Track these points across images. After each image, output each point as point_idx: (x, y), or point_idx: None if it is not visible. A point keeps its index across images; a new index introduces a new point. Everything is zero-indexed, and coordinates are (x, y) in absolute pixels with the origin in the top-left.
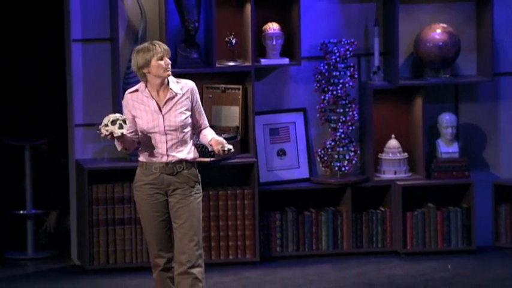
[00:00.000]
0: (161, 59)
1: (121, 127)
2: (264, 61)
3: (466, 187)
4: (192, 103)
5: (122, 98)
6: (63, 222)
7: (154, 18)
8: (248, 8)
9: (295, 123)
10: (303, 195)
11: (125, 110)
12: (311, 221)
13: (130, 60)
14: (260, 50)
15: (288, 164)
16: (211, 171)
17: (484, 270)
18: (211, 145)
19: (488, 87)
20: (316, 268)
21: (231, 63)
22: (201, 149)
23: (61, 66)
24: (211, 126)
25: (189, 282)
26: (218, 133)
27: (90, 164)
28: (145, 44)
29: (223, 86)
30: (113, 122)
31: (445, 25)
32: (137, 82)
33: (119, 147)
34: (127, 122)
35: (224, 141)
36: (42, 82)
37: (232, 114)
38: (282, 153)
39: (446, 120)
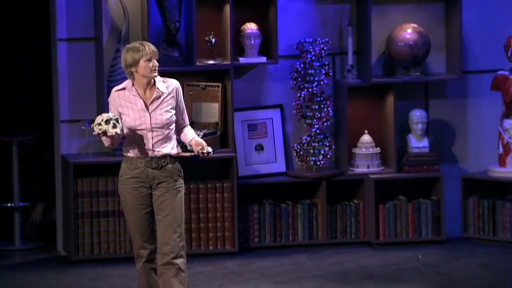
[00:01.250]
0: (149, 60)
1: (115, 126)
2: (242, 60)
3: (435, 180)
4: (176, 102)
5: (107, 95)
6: (50, 214)
7: (137, 19)
8: (227, 8)
9: (272, 119)
10: (280, 189)
11: (111, 107)
12: (288, 213)
13: (114, 59)
14: (239, 49)
15: (265, 158)
16: (192, 165)
17: (453, 259)
18: (191, 145)
19: (456, 84)
20: (293, 258)
21: (211, 62)
22: (182, 144)
23: (46, 65)
24: (192, 123)
25: (173, 273)
26: (199, 128)
27: (75, 159)
28: (136, 44)
29: (203, 83)
30: (107, 122)
31: (415, 25)
32: (121, 80)
33: (106, 144)
34: (119, 121)
35: (204, 143)
36: (28, 80)
37: (212, 111)
38: (259, 148)
39: (417, 116)
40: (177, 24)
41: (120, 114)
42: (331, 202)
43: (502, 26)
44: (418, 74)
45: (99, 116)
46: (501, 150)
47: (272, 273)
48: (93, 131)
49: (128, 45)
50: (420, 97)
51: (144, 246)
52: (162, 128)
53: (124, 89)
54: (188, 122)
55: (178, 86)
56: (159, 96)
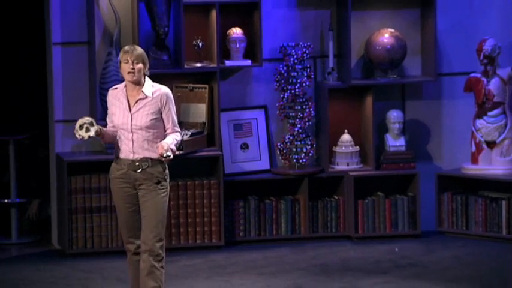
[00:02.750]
0: (126, 62)
1: (87, 130)
2: (228, 62)
3: (411, 177)
4: (160, 107)
5: (99, 97)
6: (45, 210)
7: (128, 24)
8: (213, 14)
9: (257, 119)
10: (264, 185)
11: (108, 104)
12: (271, 208)
13: (106, 62)
14: (225, 53)
15: (250, 156)
16: (181, 163)
17: (428, 252)
18: (157, 147)
19: (432, 86)
20: (276, 251)
21: (198, 65)
22: None
23: (42, 68)
24: (180, 123)
25: (148, 270)
26: (187, 128)
27: (69, 157)
28: (127, 46)
29: (191, 85)
30: (81, 127)
31: (392, 30)
32: (112, 82)
33: (101, 141)
34: (94, 123)
35: (166, 147)
36: (25, 82)
37: (200, 111)
38: (245, 146)
39: (394, 116)
40: (166, 29)
41: (112, 112)
42: (313, 198)
43: (474, 31)
44: (395, 76)
45: (76, 123)
46: (474, 148)
47: (256, 266)
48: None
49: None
50: (397, 98)
51: (131, 241)
52: (141, 130)
53: (117, 88)
54: (176, 130)
55: (166, 93)
56: (143, 99)
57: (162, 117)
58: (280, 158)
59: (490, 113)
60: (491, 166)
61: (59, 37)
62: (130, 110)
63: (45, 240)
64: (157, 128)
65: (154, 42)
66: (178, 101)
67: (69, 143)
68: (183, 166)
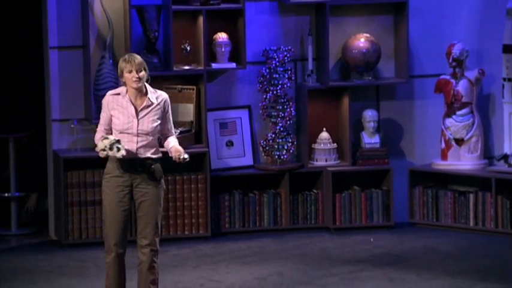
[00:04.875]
0: (130, 72)
1: (118, 150)
2: (214, 65)
3: (385, 172)
4: (163, 112)
5: (93, 97)
6: (42, 203)
7: (120, 29)
8: (201, 20)
9: (241, 118)
10: (248, 180)
11: (104, 108)
12: (255, 201)
13: (100, 65)
14: (211, 56)
15: (235, 153)
16: (170, 160)
17: (401, 242)
18: (171, 151)
19: (404, 87)
20: (259, 241)
21: (186, 67)
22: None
23: (39, 70)
24: None
25: (148, 265)
26: (175, 126)
27: (66, 154)
28: (126, 56)
29: (179, 86)
30: (111, 148)
31: (368, 35)
32: (105, 84)
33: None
34: (120, 142)
35: (182, 150)
36: (23, 84)
37: (187, 111)
38: (230, 144)
39: (369, 115)
40: (156, 33)
41: (111, 116)
42: (294, 192)
43: (443, 35)
44: (370, 78)
45: (101, 143)
46: (443, 145)
47: (241, 255)
48: (98, 153)
49: (122, 57)
50: (372, 99)
51: (115, 247)
52: (147, 134)
53: (119, 94)
54: (173, 132)
55: (167, 99)
56: (149, 106)
57: (162, 121)
58: (263, 154)
59: (459, 113)
60: (460, 162)
61: (55, 41)
62: (137, 116)
63: (43, 232)
64: (158, 131)
65: (145, 46)
66: None
67: (65, 141)
68: (172, 162)
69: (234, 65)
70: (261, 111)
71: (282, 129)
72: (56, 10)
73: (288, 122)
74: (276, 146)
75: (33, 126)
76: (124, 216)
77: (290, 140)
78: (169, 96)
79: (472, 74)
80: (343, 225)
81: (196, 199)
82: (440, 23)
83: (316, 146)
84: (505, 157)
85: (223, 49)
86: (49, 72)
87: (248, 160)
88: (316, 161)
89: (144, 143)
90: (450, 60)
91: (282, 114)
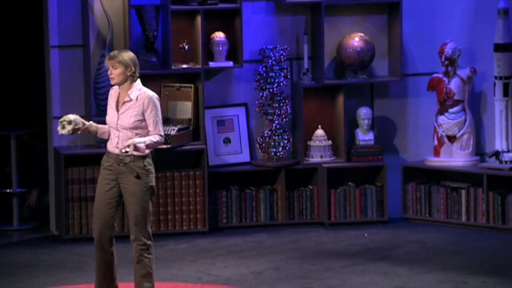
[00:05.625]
0: (108, 68)
1: (63, 127)
2: (212, 64)
3: (379, 168)
4: (144, 110)
5: (93, 95)
6: (43, 198)
7: (119, 28)
8: (198, 19)
9: (238, 115)
10: (245, 176)
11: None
12: (252, 197)
13: (99, 63)
14: (209, 55)
15: (232, 150)
16: (169, 156)
17: (394, 237)
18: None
19: (397, 86)
20: (256, 236)
21: (184, 66)
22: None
23: (41, 68)
24: (168, 119)
25: (136, 259)
26: (174, 124)
27: (66, 150)
28: (111, 53)
29: (178, 84)
30: (60, 124)
31: (362, 34)
32: (105, 82)
33: (96, 136)
34: (72, 122)
35: (129, 143)
36: (25, 82)
37: (186, 109)
38: (227, 141)
39: (363, 113)
40: (155, 33)
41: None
42: (289, 188)
43: (436, 35)
44: (364, 76)
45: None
46: (436, 142)
47: (238, 250)
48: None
49: None
50: (366, 97)
51: (97, 237)
52: (126, 129)
53: (113, 89)
54: (157, 132)
55: (150, 97)
56: (129, 102)
57: (145, 119)
58: (259, 151)
59: (451, 110)
60: (452, 158)
61: (56, 41)
62: (118, 110)
63: (44, 227)
64: (142, 128)
65: (144, 45)
66: (166, 99)
67: (65, 138)
68: (171, 159)
69: (231, 63)
70: (257, 109)
71: (278, 126)
72: (57, 10)
73: (284, 120)
74: (273, 143)
75: (34, 123)
76: (108, 208)
77: (286, 137)
78: (168, 94)
79: (464, 73)
80: (338, 221)
81: (194, 195)
82: (433, 22)
83: (311, 143)
84: (496, 154)
85: (220, 48)
86: (50, 70)
87: (245, 157)
88: (312, 157)
89: (124, 138)
90: (443, 59)
91: (278, 112)
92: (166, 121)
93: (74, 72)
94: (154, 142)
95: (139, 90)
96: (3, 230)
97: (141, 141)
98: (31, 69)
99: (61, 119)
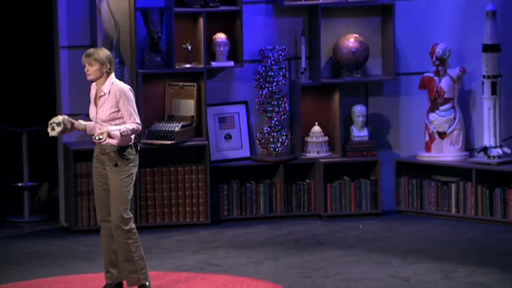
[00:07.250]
0: (84, 65)
1: (53, 129)
2: (213, 64)
3: (373, 163)
4: (117, 102)
5: None
6: (53, 192)
7: (125, 29)
8: (201, 21)
9: (239, 113)
10: (245, 171)
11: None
12: (252, 191)
13: None
14: (211, 55)
15: (233, 145)
16: (172, 151)
17: (387, 228)
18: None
19: (391, 84)
20: (256, 228)
21: (188, 65)
22: (164, 134)
23: (51, 68)
24: (172, 116)
25: (117, 245)
26: (177, 121)
27: (75, 146)
28: (87, 51)
29: (181, 83)
30: (49, 125)
31: (357, 35)
32: None
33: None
34: (61, 123)
35: (103, 131)
36: (36, 81)
37: (189, 106)
38: (228, 137)
39: (358, 110)
40: (159, 34)
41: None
42: (288, 182)
43: (428, 36)
44: (359, 75)
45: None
46: (427, 138)
47: (238, 241)
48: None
49: None
50: (361, 95)
51: (102, 223)
52: (105, 122)
53: (92, 85)
54: (130, 121)
55: (120, 89)
56: (103, 96)
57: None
58: (259, 147)
59: (442, 108)
60: (443, 154)
61: (65, 41)
62: (96, 105)
63: (54, 219)
64: (120, 119)
65: (149, 45)
66: (170, 97)
67: (74, 134)
68: (175, 154)
69: (232, 63)
70: (257, 107)
71: (277, 123)
72: (66, 12)
73: (283, 117)
74: (272, 139)
75: (45, 120)
76: (103, 193)
77: (284, 134)
78: (171, 93)
79: (454, 72)
80: (334, 213)
81: (196, 188)
82: (425, 24)
83: (308, 139)
84: (485, 149)
85: (222, 48)
86: (59, 70)
87: (245, 152)
88: (309, 153)
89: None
90: (434, 59)
91: (277, 109)
92: (171, 118)
93: (82, 72)
94: (131, 130)
95: (111, 84)
96: (15, 222)
97: (116, 129)
98: (41, 69)
99: (50, 121)
